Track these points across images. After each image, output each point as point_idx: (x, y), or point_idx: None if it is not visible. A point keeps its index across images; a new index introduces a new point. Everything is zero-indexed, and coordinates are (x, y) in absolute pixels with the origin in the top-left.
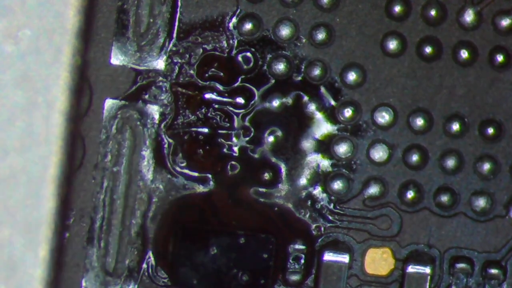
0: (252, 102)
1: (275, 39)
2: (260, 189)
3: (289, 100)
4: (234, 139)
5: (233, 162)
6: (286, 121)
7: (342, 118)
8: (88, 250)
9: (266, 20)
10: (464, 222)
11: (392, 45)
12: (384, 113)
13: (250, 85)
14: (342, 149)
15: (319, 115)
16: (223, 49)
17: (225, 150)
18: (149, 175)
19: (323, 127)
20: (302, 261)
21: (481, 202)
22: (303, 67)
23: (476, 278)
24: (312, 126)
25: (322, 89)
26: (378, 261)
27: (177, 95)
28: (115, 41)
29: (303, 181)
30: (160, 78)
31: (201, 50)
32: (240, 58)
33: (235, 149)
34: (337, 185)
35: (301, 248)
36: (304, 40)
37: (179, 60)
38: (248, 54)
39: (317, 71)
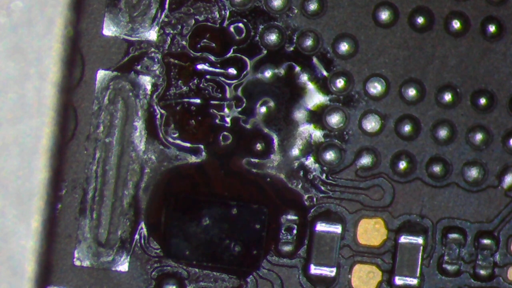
0: (244, 72)
1: (267, 10)
2: (253, 160)
3: (281, 71)
4: (226, 110)
5: (225, 133)
6: (278, 92)
7: (334, 89)
8: (80, 221)
9: None
10: (457, 193)
11: (384, 15)
12: (376, 84)
13: (242, 55)
14: (334, 119)
15: (311, 86)
16: (215, 20)
17: (217, 120)
18: (142, 146)
19: (315, 98)
20: (295, 231)
21: (473, 173)
22: (295, 37)
23: (468, 249)
24: (304, 97)
25: (314, 60)
26: (371, 231)
27: (169, 66)
28: (107, 12)
29: (295, 151)
30: (152, 49)
31: (193, 21)
32: (232, 29)
33: (227, 119)
34: (330, 155)
35: (294, 219)
36: (296, 11)
37: (171, 31)
38: (240, 24)
39: (309, 42)
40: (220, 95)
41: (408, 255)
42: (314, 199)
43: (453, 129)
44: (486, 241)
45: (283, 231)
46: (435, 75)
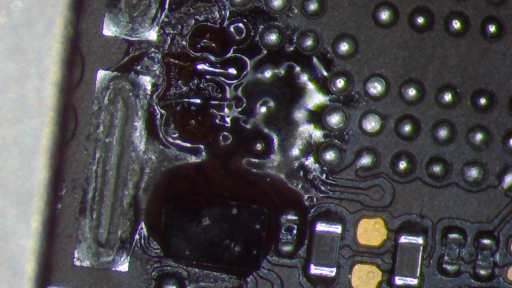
0: (244, 72)
1: (267, 10)
2: (253, 160)
3: (281, 71)
4: (226, 110)
5: (225, 133)
6: (278, 92)
7: (334, 89)
8: (80, 221)
9: None
10: (457, 193)
11: (384, 15)
12: (376, 84)
13: (242, 55)
14: (334, 119)
15: (311, 86)
16: (215, 20)
17: (217, 120)
18: (142, 146)
19: (315, 98)
20: (295, 231)
21: (473, 173)
22: (295, 37)
23: (468, 249)
24: (304, 97)
25: (314, 60)
26: (371, 231)
27: (169, 66)
28: (107, 12)
29: (295, 151)
30: (152, 49)
31: (193, 21)
32: (232, 29)
33: (228, 119)
34: (330, 155)
35: (294, 219)
36: (296, 11)
37: (171, 31)
38: (240, 25)
39: (309, 42)
40: (220, 95)
41: (408, 255)
42: (314, 199)
43: (453, 129)
44: (486, 241)
45: (283, 231)
46: (435, 75)
